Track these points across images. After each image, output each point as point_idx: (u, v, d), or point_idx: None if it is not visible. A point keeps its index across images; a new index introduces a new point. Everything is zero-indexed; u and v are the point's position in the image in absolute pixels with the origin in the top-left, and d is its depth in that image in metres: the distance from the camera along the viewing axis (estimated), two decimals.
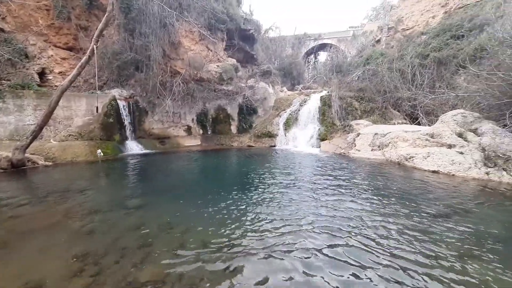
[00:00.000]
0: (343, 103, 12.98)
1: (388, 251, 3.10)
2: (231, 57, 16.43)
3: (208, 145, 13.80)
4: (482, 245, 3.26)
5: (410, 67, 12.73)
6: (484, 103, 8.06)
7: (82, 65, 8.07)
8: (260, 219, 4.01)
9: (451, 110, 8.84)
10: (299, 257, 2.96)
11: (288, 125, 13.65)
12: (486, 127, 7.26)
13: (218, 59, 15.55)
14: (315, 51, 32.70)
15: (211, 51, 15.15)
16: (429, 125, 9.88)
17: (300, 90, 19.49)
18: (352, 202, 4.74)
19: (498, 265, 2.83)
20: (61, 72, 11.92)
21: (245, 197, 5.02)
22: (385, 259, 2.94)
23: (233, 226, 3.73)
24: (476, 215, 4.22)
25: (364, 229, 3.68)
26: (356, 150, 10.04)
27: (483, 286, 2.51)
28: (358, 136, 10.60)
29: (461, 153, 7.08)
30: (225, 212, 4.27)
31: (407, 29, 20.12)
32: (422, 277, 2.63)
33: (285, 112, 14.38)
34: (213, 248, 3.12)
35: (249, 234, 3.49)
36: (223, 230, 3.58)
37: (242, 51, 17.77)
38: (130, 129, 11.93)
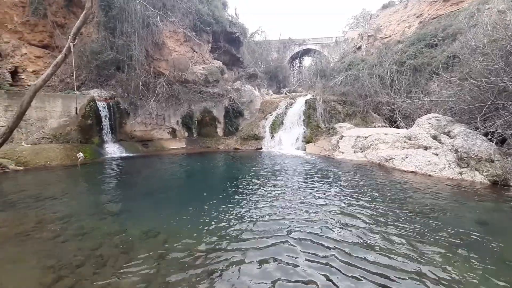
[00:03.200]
0: (327, 106, 13.34)
1: (376, 247, 3.20)
2: (217, 60, 16.34)
3: (194, 148, 13.54)
4: (458, 243, 3.46)
5: (388, 73, 13.38)
6: (456, 107, 8.63)
7: (57, 64, 7.63)
8: (246, 224, 3.96)
9: (426, 114, 9.38)
10: (287, 263, 2.94)
11: (274, 127, 13.77)
12: (458, 130, 7.78)
13: (204, 61, 15.41)
14: (300, 55, 33.44)
15: (196, 52, 14.98)
16: (406, 128, 10.41)
17: (285, 94, 19.79)
18: (339, 205, 4.84)
19: (474, 262, 3.02)
20: (35, 71, 11.21)
21: (231, 202, 4.96)
22: (373, 254, 3.03)
23: (218, 232, 3.66)
24: (452, 214, 4.48)
25: (352, 229, 3.77)
26: (340, 152, 10.33)
27: (461, 281, 2.65)
28: (341, 138, 10.92)
29: (436, 154, 7.52)
30: (210, 217, 4.19)
31: (385, 38, 21.19)
32: (405, 272, 2.73)
33: (271, 115, 14.49)
34: (198, 255, 3.04)
35: (234, 240, 3.43)
36: (208, 237, 3.50)
37: (228, 54, 17.75)
38: (110, 132, 11.41)
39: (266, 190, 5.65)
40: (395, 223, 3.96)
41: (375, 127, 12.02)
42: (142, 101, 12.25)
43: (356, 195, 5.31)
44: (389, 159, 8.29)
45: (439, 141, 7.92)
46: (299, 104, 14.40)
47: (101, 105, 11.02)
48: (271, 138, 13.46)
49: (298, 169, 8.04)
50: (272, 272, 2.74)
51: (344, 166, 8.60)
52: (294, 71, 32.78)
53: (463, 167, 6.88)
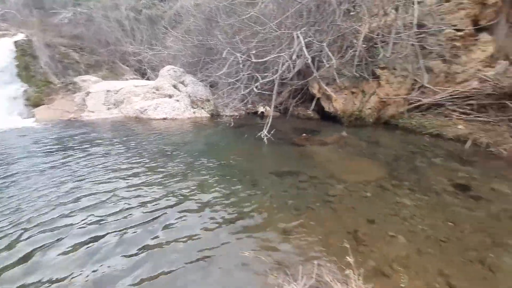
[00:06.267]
0: (55, 53, 9.99)
1: (149, 200, 3.39)
2: None
3: None
4: (193, 161, 4.72)
5: (128, 20, 12.63)
6: (184, 60, 10.70)
7: None
8: None
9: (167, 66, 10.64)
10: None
11: None
12: (188, 79, 9.86)
13: None
14: None
15: None
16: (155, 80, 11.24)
17: None
18: (99, 174, 4.29)
19: (211, 174, 4.35)
20: None
21: None
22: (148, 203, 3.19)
23: None
24: (196, 144, 5.95)
25: (120, 193, 3.60)
26: (90, 112, 8.81)
27: (198, 189, 3.74)
28: (88, 95, 9.20)
29: (178, 101, 9.16)
30: None
31: None
32: (147, 188, 3.28)
33: None
34: None
35: None
36: None
37: None
38: None
39: None
40: (145, 162, 4.45)
41: (126, 79, 11.52)
42: None
43: (116, 156, 4.99)
44: (144, 111, 8.68)
45: (178, 90, 9.62)
46: (5, 49, 9.27)
47: None
48: None
49: (24, 153, 5.59)
50: None
51: (98, 127, 7.61)
52: None
53: (195, 108, 9.18)
